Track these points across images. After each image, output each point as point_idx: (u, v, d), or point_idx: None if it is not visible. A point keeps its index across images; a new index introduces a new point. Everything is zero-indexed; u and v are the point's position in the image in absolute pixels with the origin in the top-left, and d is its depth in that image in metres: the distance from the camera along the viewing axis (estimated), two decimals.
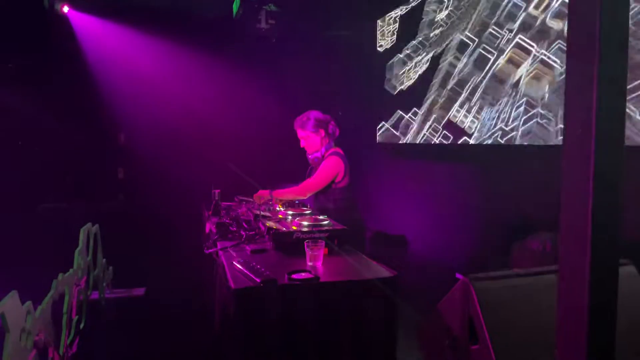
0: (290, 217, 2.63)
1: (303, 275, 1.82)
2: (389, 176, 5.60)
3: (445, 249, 4.32)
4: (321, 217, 2.51)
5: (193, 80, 5.64)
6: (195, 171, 5.30)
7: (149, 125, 5.52)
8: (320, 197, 3.09)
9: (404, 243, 5.13)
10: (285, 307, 1.72)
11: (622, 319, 1.00)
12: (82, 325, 2.78)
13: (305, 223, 2.35)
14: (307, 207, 2.97)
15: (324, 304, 1.77)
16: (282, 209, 2.87)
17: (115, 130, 5.68)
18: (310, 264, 2.03)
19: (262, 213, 2.69)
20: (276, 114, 5.65)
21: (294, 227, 2.32)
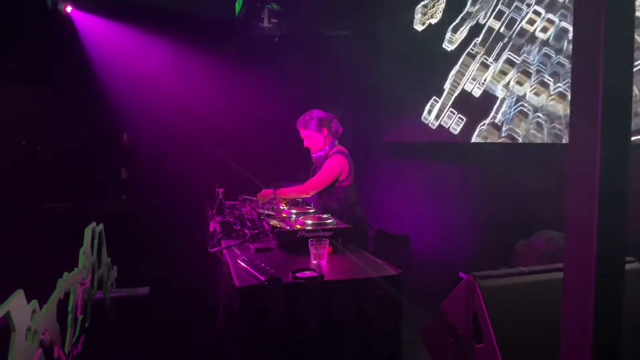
0: (294, 216, 2.64)
1: (307, 273, 1.82)
2: (391, 175, 5.59)
3: (448, 248, 4.32)
4: (325, 216, 2.51)
5: (196, 80, 5.64)
6: (198, 170, 5.31)
7: (152, 125, 5.52)
8: (323, 195, 3.09)
9: (406, 242, 5.12)
10: (290, 305, 1.72)
11: (627, 317, 1.00)
12: (87, 324, 2.79)
13: (309, 222, 2.35)
14: (310, 206, 2.97)
15: (329, 302, 1.78)
16: (285, 207, 2.87)
17: (118, 131, 5.69)
18: (314, 262, 2.03)
19: (266, 212, 2.70)
20: (279, 113, 5.64)
21: (298, 226, 2.33)
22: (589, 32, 0.97)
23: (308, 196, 3.04)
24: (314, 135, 3.10)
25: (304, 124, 3.12)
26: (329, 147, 3.11)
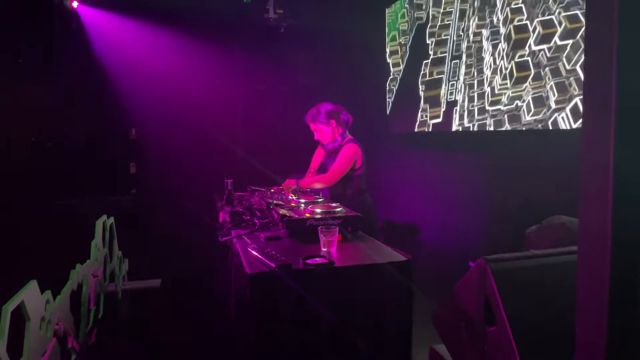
0: (303, 205, 2.63)
1: (318, 260, 1.82)
2: (399, 165, 5.57)
3: (458, 237, 4.30)
4: (334, 205, 2.51)
5: (203, 73, 5.65)
6: (207, 163, 5.33)
7: (160, 119, 5.55)
8: (337, 184, 3.13)
9: (414, 232, 5.11)
10: (300, 291, 1.72)
11: None
12: (100, 316, 2.81)
13: (318, 210, 2.35)
14: (319, 195, 2.98)
15: (339, 289, 1.78)
16: (294, 197, 2.88)
17: (127, 126, 5.72)
18: (324, 249, 2.03)
19: (275, 201, 2.70)
20: (287, 104, 5.64)
21: (307, 215, 2.32)
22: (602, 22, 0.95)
23: (330, 186, 3.08)
24: (323, 128, 3.15)
25: (312, 118, 3.17)
26: (341, 138, 3.14)
